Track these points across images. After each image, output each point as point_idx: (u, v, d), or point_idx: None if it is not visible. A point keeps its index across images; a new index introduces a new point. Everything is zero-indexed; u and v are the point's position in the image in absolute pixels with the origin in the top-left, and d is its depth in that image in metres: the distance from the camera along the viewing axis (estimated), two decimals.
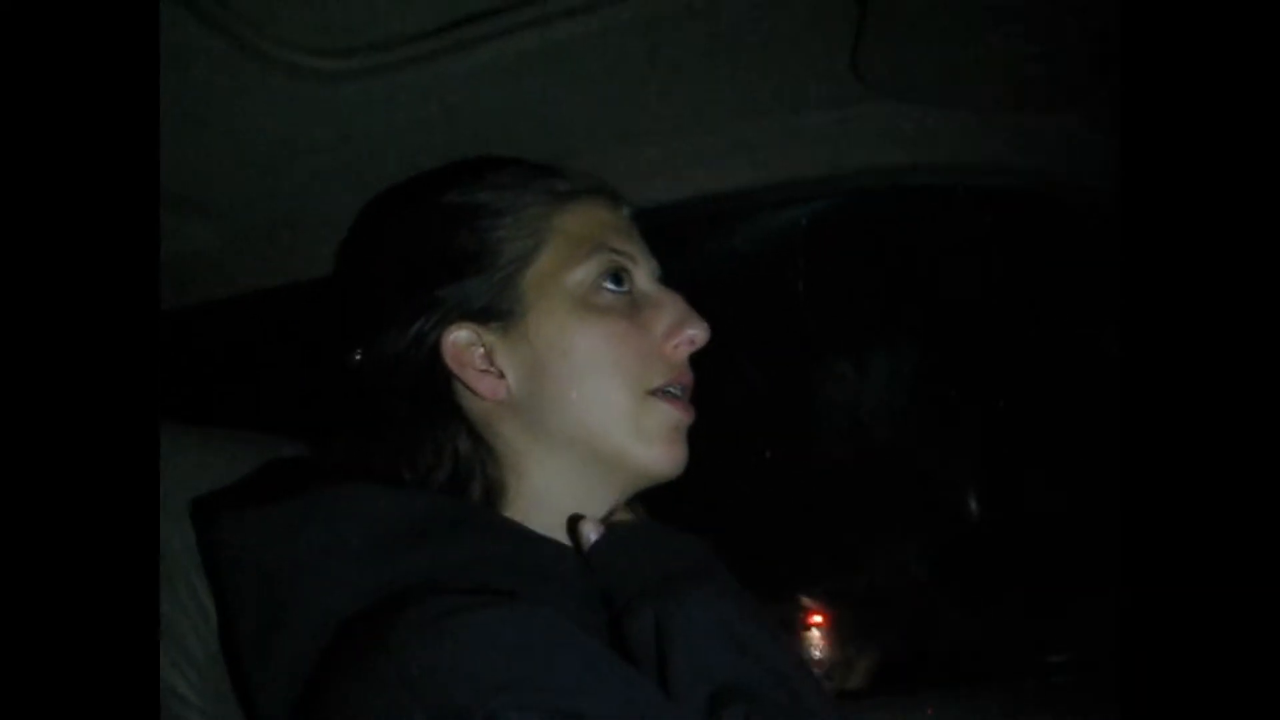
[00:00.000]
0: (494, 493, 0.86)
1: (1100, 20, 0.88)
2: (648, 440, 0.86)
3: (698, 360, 0.91)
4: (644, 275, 0.91)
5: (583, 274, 0.87)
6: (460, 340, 0.86)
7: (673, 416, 0.88)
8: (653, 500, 0.91)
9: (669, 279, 0.94)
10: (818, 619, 5.69)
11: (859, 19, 0.90)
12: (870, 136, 1.10)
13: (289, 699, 0.75)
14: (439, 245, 0.88)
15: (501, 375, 0.86)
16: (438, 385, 0.87)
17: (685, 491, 0.88)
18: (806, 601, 5.68)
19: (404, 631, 0.67)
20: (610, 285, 0.88)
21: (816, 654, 5.64)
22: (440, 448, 0.86)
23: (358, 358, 0.89)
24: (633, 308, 0.89)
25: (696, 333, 0.90)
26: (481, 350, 0.87)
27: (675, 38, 0.92)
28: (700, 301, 0.92)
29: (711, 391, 0.91)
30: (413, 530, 0.78)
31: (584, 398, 0.85)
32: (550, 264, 0.87)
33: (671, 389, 0.88)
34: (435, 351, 0.86)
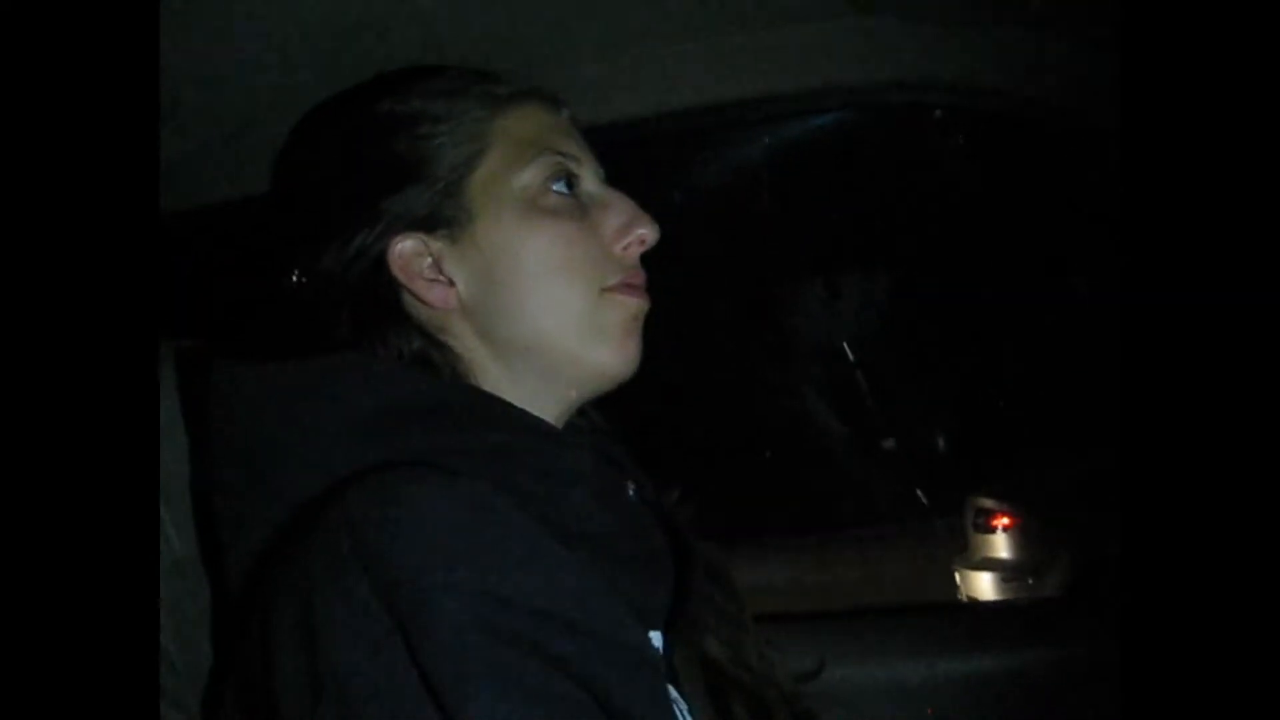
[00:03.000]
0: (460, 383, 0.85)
1: None
2: (604, 337, 0.84)
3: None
4: (590, 177, 0.89)
5: (529, 177, 0.84)
6: (406, 250, 0.83)
7: (631, 305, 0.86)
8: None
9: (638, 194, 0.90)
10: (1004, 521, 5.53)
11: None
12: (851, 53, 1.05)
13: (256, 557, 0.75)
14: (377, 155, 0.85)
15: (451, 283, 0.84)
16: (385, 297, 0.84)
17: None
18: (989, 503, 5.53)
19: (358, 502, 0.67)
20: (558, 187, 0.85)
21: (1004, 556, 5.50)
22: (395, 348, 0.83)
23: (297, 276, 0.87)
24: (581, 210, 0.86)
25: (646, 231, 0.87)
26: (429, 259, 0.84)
27: None
28: (676, 220, 0.88)
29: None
30: (419, 409, 0.77)
31: (538, 302, 0.83)
32: (495, 168, 0.84)
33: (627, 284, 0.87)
34: (381, 263, 0.84)
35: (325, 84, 1.01)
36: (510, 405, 0.82)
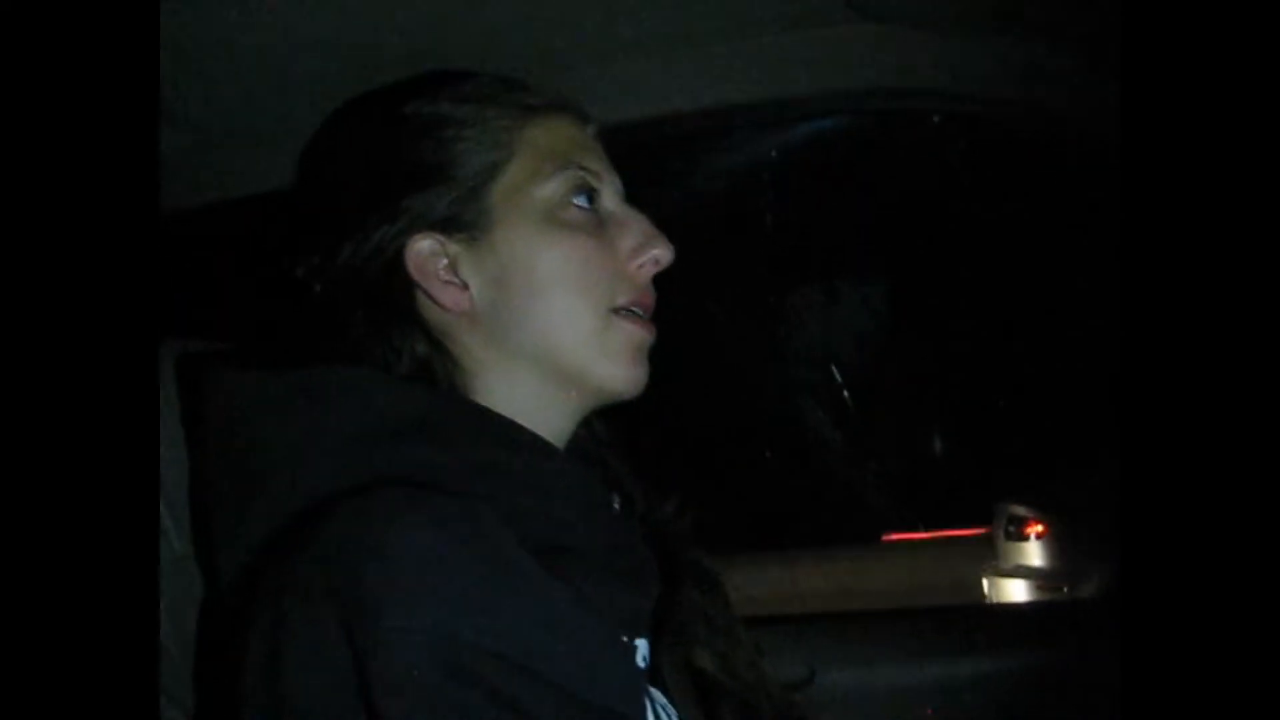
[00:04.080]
0: (456, 395, 0.86)
1: None
2: (610, 357, 0.86)
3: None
4: (610, 193, 0.90)
5: (551, 189, 0.85)
6: (424, 250, 0.85)
7: (636, 335, 0.87)
8: None
9: (639, 199, 0.92)
10: (1037, 529, 5.46)
11: None
12: (854, 58, 1.05)
13: (244, 566, 0.77)
14: (403, 155, 0.87)
15: (465, 287, 0.85)
16: (398, 294, 0.86)
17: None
18: (1021, 510, 5.46)
19: (334, 531, 0.68)
20: (579, 202, 0.86)
21: (1038, 564, 5.43)
22: (398, 351, 0.85)
23: (316, 264, 0.89)
24: (599, 226, 0.87)
25: (661, 253, 0.88)
26: (445, 261, 0.85)
27: None
28: (676, 225, 0.91)
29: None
30: (407, 424, 0.78)
31: (548, 313, 0.84)
32: (518, 177, 0.86)
33: (634, 309, 0.88)
34: (397, 261, 0.85)
35: (325, 87, 1.02)
36: (502, 419, 0.83)
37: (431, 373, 0.85)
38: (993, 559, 5.60)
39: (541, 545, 0.74)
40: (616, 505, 0.89)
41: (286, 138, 1.05)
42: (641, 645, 0.83)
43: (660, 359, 0.90)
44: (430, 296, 0.85)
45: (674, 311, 0.93)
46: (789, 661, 1.02)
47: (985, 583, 5.64)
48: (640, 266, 0.88)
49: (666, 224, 0.91)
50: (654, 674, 0.85)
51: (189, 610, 0.89)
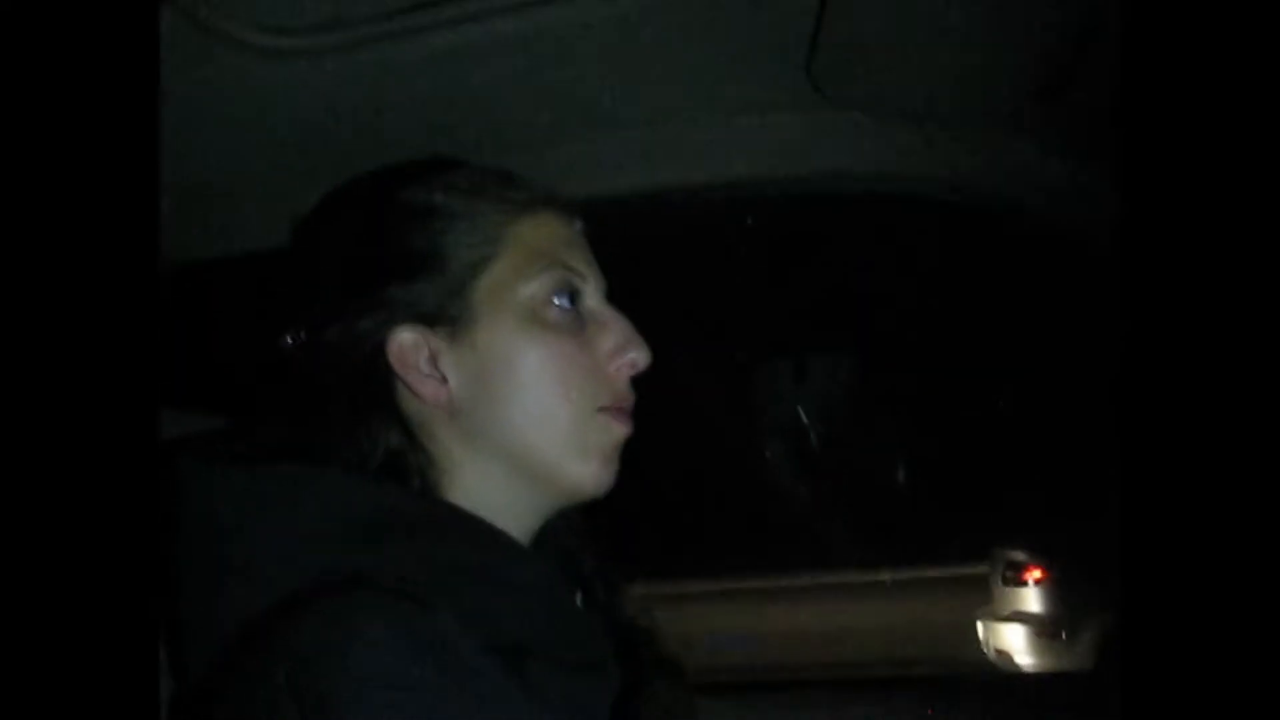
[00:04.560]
0: (427, 492, 0.86)
1: (1052, 42, 0.89)
2: (583, 457, 0.86)
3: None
4: (593, 293, 0.91)
5: (535, 288, 0.86)
6: (406, 342, 0.85)
7: (615, 432, 0.88)
8: None
9: (611, 277, 0.94)
10: (1035, 574, 5.44)
11: (815, 26, 0.89)
12: (823, 144, 1.08)
13: (209, 660, 0.77)
14: (391, 244, 0.87)
15: (445, 380, 0.85)
16: (377, 382, 0.86)
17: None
18: (1019, 556, 5.44)
19: (299, 635, 0.69)
20: (561, 301, 0.87)
21: (1035, 610, 5.40)
22: (374, 441, 0.85)
23: (297, 343, 0.89)
24: (580, 326, 0.88)
25: (639, 357, 0.89)
26: (427, 353, 0.85)
27: (628, 33, 0.91)
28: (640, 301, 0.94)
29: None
30: (376, 524, 0.78)
31: (525, 411, 0.85)
32: (504, 274, 0.86)
33: (612, 408, 0.88)
34: (379, 349, 0.86)
35: (317, 151, 1.05)
36: (471, 518, 0.83)
37: (404, 467, 0.85)
38: (988, 603, 5.57)
39: (505, 643, 0.75)
40: (580, 600, 0.89)
41: (262, 204, 1.06)
42: None
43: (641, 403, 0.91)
44: (410, 388, 0.85)
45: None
46: None
47: (981, 627, 5.60)
48: (618, 369, 0.88)
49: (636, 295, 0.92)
50: None
51: None
